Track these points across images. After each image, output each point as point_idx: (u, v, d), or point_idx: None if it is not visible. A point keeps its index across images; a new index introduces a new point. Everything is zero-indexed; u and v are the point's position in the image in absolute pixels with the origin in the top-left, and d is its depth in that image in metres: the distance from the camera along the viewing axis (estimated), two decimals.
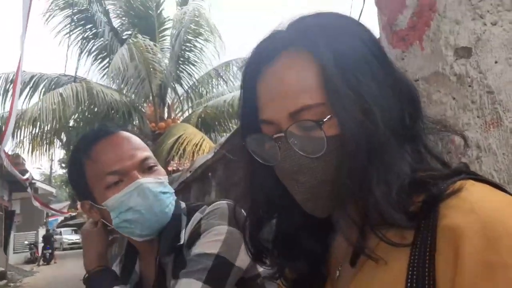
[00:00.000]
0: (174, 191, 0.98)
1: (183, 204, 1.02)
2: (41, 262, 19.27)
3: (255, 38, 0.59)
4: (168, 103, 11.24)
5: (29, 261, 19.61)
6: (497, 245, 0.42)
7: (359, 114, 0.50)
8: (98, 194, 0.92)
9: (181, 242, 0.94)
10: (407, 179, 0.50)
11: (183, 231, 0.95)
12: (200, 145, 8.34)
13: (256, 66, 0.57)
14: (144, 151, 0.95)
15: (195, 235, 0.91)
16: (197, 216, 0.95)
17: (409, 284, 0.45)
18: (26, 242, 20.56)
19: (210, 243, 0.87)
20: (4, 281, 11.90)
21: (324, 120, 0.51)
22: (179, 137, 8.57)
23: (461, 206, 0.45)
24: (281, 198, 0.59)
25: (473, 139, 0.80)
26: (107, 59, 10.99)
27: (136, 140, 0.97)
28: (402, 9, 0.92)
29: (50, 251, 19.63)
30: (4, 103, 10.89)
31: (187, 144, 8.37)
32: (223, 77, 11.36)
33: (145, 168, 0.93)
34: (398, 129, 0.53)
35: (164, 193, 0.93)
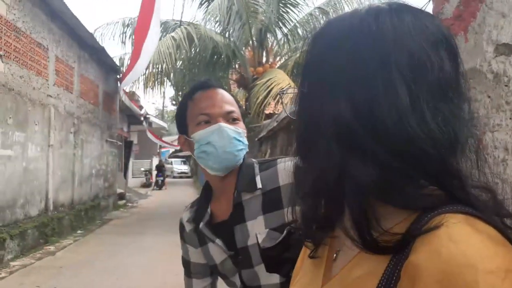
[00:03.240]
0: (247, 144, 1.18)
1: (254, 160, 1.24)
2: (154, 187, 21.97)
3: None
4: (267, 47, 11.30)
5: (144, 186, 22.37)
6: None
7: None
8: (191, 128, 1.18)
9: (259, 187, 1.14)
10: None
11: (258, 177, 1.16)
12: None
13: None
14: (232, 106, 1.17)
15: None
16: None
17: None
18: (142, 169, 23.42)
19: None
20: (124, 201, 14.00)
21: None
22: (267, 80, 8.73)
23: (431, 244, 0.44)
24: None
25: (502, 141, 0.79)
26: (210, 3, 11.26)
27: (228, 96, 1.20)
28: None
29: (162, 178, 22.18)
30: (125, 45, 12.34)
31: (273, 87, 8.48)
32: (333, 16, 10.85)
33: (229, 118, 1.16)
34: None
35: (238, 140, 1.14)
